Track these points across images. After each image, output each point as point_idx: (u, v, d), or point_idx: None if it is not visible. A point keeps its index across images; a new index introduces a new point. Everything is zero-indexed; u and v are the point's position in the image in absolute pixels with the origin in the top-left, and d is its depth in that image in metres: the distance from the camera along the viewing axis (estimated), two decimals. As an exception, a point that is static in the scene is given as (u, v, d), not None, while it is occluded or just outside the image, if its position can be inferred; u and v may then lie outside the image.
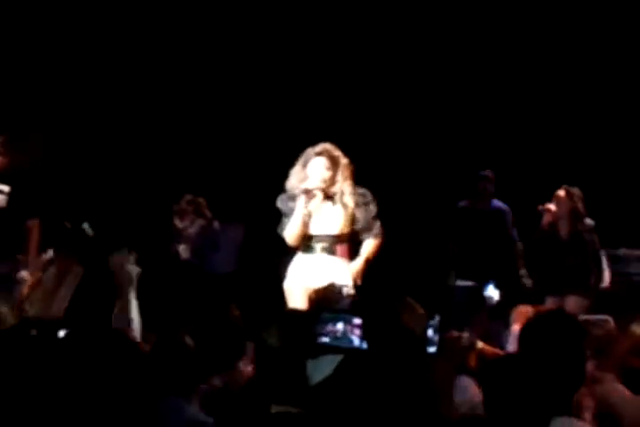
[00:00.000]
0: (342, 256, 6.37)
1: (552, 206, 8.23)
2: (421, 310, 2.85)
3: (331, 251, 6.29)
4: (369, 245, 6.41)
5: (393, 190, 8.63)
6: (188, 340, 3.66)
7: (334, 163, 6.30)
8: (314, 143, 6.45)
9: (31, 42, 9.44)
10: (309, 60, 9.94)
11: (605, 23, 9.65)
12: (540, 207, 8.28)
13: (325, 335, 2.47)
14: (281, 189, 6.44)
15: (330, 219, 6.32)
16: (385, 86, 9.94)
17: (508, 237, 8.71)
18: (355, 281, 6.26)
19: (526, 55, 9.83)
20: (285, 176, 6.41)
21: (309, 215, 6.25)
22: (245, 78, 9.91)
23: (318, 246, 6.32)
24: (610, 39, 9.65)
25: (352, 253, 6.46)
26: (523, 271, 8.62)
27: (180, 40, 9.86)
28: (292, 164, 6.44)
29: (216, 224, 8.76)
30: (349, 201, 6.30)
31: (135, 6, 9.75)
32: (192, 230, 8.74)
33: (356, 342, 2.50)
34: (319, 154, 6.31)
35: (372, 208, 6.37)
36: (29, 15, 9.41)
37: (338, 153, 6.35)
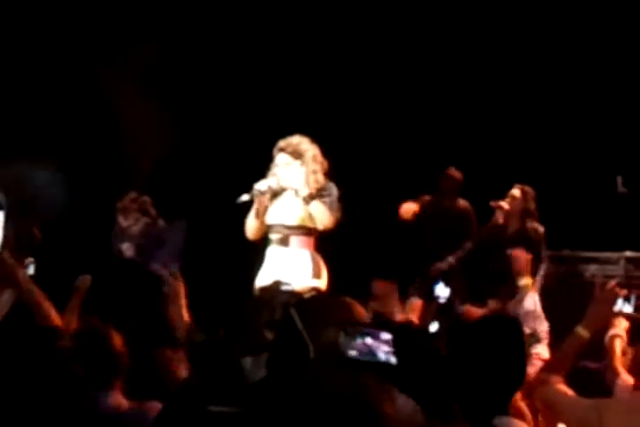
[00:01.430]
0: (304, 248, 6.17)
1: (505, 205, 8.25)
2: (362, 311, 2.82)
3: (284, 242, 6.16)
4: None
5: (356, 185, 8.57)
6: (115, 337, 3.69)
7: (297, 157, 6.15)
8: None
9: None
10: (270, 56, 9.93)
11: (558, 29, 9.75)
12: (493, 204, 8.29)
13: (353, 349, 2.44)
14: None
15: (286, 210, 6.19)
16: (346, 86, 9.96)
17: (464, 236, 8.67)
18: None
19: (479, 60, 9.90)
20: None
21: (260, 212, 6.15)
22: (193, 73, 9.86)
23: (273, 238, 6.21)
24: (561, 45, 9.74)
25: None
26: (450, 258, 8.58)
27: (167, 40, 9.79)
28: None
29: (161, 222, 8.67)
30: (305, 194, 6.11)
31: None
32: (136, 228, 8.64)
33: (383, 357, 2.47)
34: (281, 150, 6.19)
35: (326, 200, 6.12)
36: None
37: (305, 147, 6.16)
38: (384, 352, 2.45)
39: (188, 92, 9.85)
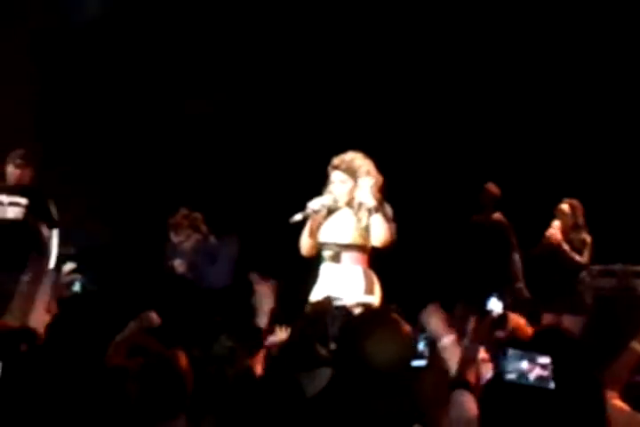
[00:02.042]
0: (356, 264, 6.05)
1: (557, 231, 8.20)
2: (406, 327, 2.81)
3: (336, 259, 6.14)
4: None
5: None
6: (182, 359, 3.57)
7: (352, 175, 6.05)
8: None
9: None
10: (309, 72, 9.97)
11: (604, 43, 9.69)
12: (552, 236, 8.23)
13: (511, 373, 2.47)
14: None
15: (339, 228, 6.10)
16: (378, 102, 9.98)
17: (507, 250, 8.62)
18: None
19: (522, 72, 9.87)
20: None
21: (313, 230, 6.13)
22: (239, 90, 9.92)
23: (326, 255, 6.18)
24: (607, 56, 9.68)
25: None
26: (520, 284, 8.55)
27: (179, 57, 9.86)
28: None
29: (212, 239, 8.71)
30: (364, 216, 6.00)
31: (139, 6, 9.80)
32: (187, 245, 8.69)
33: (535, 381, 2.48)
34: (335, 167, 6.09)
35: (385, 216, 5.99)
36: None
37: (359, 162, 6.03)
38: (537, 376, 2.44)
39: (241, 108, 9.93)
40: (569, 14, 9.75)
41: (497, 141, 9.87)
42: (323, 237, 6.15)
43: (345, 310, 4.10)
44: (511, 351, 2.50)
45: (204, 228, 8.71)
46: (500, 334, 4.63)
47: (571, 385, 2.58)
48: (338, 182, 6.08)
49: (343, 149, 6.16)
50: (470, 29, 9.97)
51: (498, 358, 2.51)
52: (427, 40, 9.98)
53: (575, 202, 8.31)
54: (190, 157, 9.82)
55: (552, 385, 2.48)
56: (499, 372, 2.50)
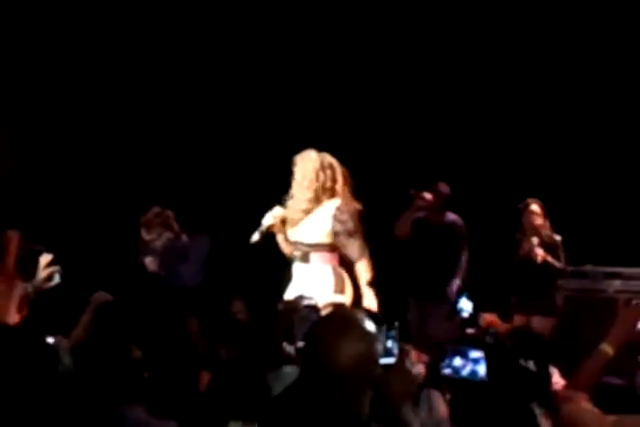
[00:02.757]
0: (325, 263, 6.10)
1: (539, 247, 8.20)
2: (371, 325, 2.83)
3: (305, 259, 6.14)
4: (358, 270, 6.02)
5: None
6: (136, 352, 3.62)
7: (313, 171, 6.08)
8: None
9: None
10: (275, 71, 9.97)
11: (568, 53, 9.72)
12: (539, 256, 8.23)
13: (446, 368, 2.59)
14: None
15: (306, 227, 6.15)
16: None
17: (457, 251, 8.58)
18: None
19: (478, 74, 9.90)
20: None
21: (281, 236, 6.15)
22: (209, 89, 9.91)
23: (296, 254, 6.19)
24: (570, 60, 9.71)
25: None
26: (457, 281, 8.49)
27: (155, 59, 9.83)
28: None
29: (184, 237, 8.68)
30: (325, 213, 6.07)
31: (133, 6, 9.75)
32: (159, 243, 8.66)
33: (467, 374, 2.58)
34: (296, 165, 6.15)
35: (344, 224, 6.00)
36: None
37: (318, 158, 6.11)
38: (470, 370, 2.54)
39: (213, 105, 9.92)
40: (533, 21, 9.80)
41: (452, 141, 9.88)
42: (292, 236, 6.17)
43: (314, 310, 4.09)
44: (448, 348, 2.60)
45: (175, 226, 8.68)
46: (470, 332, 4.65)
47: (504, 379, 2.66)
48: (298, 180, 6.09)
49: (313, 147, 6.18)
50: (432, 31, 9.98)
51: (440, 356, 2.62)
52: (389, 42, 10.00)
53: (539, 201, 8.35)
54: (163, 155, 9.79)
55: (484, 378, 2.57)
56: (438, 368, 2.60)
